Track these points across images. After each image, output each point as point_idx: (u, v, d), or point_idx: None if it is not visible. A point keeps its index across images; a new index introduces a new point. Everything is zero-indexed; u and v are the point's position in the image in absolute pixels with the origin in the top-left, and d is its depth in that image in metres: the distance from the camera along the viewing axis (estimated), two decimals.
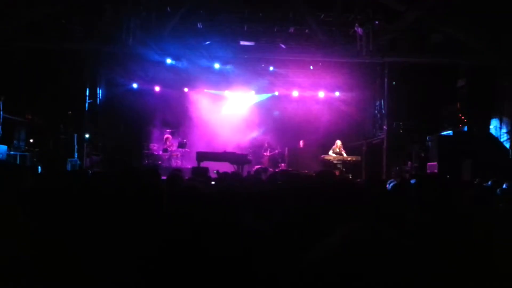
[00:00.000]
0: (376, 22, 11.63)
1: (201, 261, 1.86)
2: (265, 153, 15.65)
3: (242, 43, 12.94)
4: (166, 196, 2.57)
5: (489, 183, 5.71)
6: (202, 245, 1.94)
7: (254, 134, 16.14)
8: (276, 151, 15.67)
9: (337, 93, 16.57)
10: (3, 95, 10.62)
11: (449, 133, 11.94)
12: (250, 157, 13.22)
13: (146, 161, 14.66)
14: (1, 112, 10.80)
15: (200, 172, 9.99)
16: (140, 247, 2.02)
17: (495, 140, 11.24)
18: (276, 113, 16.73)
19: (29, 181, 2.22)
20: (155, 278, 1.88)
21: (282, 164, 15.15)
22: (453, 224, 2.16)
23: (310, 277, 0.85)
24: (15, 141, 11.59)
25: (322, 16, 12.13)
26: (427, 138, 12.13)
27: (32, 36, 11.46)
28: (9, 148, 10.63)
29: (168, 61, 13.42)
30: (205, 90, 16.46)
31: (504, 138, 11.39)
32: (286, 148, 15.69)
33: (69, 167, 11.58)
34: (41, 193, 2.71)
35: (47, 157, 11.73)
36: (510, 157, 10.97)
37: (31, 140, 12.36)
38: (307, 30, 12.72)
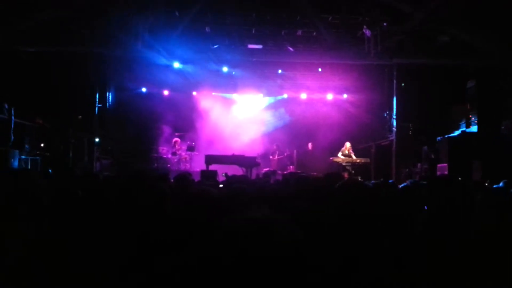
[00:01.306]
0: (384, 23, 11.59)
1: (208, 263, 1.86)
2: (273, 156, 15.64)
3: (250, 46, 12.96)
4: (170, 199, 2.59)
5: (501, 184, 5.64)
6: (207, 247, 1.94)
7: (263, 136, 16.13)
8: (285, 153, 15.65)
9: (345, 95, 16.54)
10: (12, 101, 10.74)
11: (459, 134, 11.85)
12: (258, 160, 13.22)
13: (155, 165, 14.72)
14: (12, 117, 10.92)
15: (209, 175, 10.04)
16: (145, 249, 2.04)
17: (506, 140, 11.11)
18: (284, 115, 16.73)
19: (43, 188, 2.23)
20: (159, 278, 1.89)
21: (291, 167, 15.13)
22: (465, 225, 2.15)
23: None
24: (26, 146, 11.70)
25: (329, 19, 12.11)
26: (437, 139, 12.04)
27: (40, 40, 11.59)
28: (20, 153, 10.74)
29: (176, 65, 13.49)
30: (214, 94, 16.52)
31: None
32: (295, 151, 15.67)
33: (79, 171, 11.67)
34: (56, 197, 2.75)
35: (58, 161, 11.84)
36: None
37: (42, 145, 12.47)
38: (314, 33, 12.71)
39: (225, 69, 14.28)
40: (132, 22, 11.18)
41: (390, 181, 8.00)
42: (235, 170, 11.72)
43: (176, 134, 15.59)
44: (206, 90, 16.19)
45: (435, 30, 11.84)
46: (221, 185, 6.57)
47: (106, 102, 14.68)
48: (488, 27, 10.87)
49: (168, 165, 14.63)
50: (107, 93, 14.80)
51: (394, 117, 13.84)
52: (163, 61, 12.76)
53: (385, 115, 15.12)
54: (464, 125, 12.48)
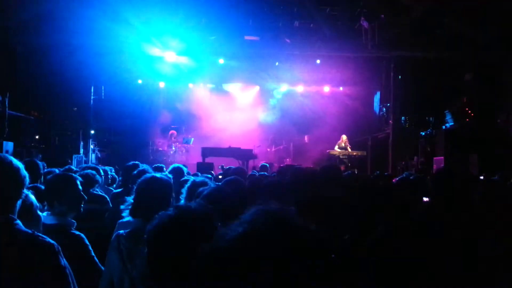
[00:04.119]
0: (382, 16, 11.51)
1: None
2: (270, 148, 15.61)
3: (247, 38, 12.85)
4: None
5: (496, 177, 5.64)
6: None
7: (259, 129, 16.08)
8: (281, 146, 15.62)
9: (341, 88, 16.50)
10: (8, 92, 10.65)
11: (455, 127, 11.84)
12: (255, 152, 13.19)
13: (152, 157, 14.66)
14: (7, 109, 10.82)
15: (205, 168, 10.01)
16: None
17: (503, 134, 11.11)
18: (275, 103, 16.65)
19: None
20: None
21: (288, 159, 15.12)
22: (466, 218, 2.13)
23: None
24: (21, 138, 11.63)
25: (327, 10, 12.02)
26: (434, 132, 12.03)
27: (33, 32, 11.46)
28: (16, 145, 10.66)
29: (172, 56, 13.36)
30: (210, 85, 16.43)
31: None
32: (291, 143, 15.65)
33: (74, 163, 11.61)
34: None
35: (53, 153, 11.77)
36: None
37: (37, 137, 12.39)
38: (312, 24, 12.63)
39: (221, 61, 14.15)
40: (128, 14, 11.07)
41: (386, 173, 7.98)
42: (232, 163, 11.69)
43: (172, 126, 15.53)
44: (202, 82, 16.10)
45: (434, 23, 11.77)
46: (220, 176, 6.55)
47: (101, 94, 14.57)
48: (487, 20, 10.81)
49: (164, 158, 14.58)
50: (102, 85, 14.69)
51: (391, 109, 13.81)
52: (157, 52, 12.64)
53: (381, 107, 15.10)
54: (460, 118, 12.47)
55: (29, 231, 1.71)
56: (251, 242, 0.87)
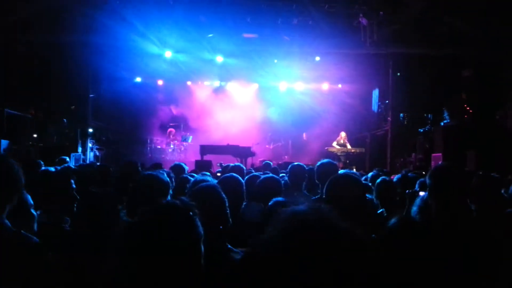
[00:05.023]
0: (381, 12, 11.49)
1: None
2: (268, 146, 15.60)
3: (245, 35, 12.83)
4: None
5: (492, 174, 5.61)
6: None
7: (258, 126, 16.06)
8: (280, 143, 15.61)
9: (339, 85, 16.47)
10: (4, 91, 10.63)
11: (453, 123, 11.83)
12: (253, 150, 13.18)
13: (150, 155, 14.65)
14: (4, 108, 10.80)
15: (203, 165, 10.00)
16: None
17: (501, 130, 11.10)
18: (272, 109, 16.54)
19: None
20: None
21: (286, 157, 15.11)
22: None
23: None
24: (18, 136, 11.59)
25: (326, 7, 11.99)
26: (432, 129, 12.02)
27: (32, 30, 11.43)
28: (13, 144, 10.64)
29: (170, 54, 13.33)
30: (208, 83, 16.40)
31: None
32: (290, 141, 15.63)
33: (72, 161, 11.59)
34: None
35: (51, 152, 11.73)
36: None
37: (35, 135, 12.36)
38: (311, 22, 12.60)
39: (219, 58, 14.09)
40: (125, 11, 11.04)
41: (385, 170, 7.98)
42: (230, 160, 11.68)
43: (171, 124, 15.51)
44: (200, 79, 16.07)
45: (433, 20, 11.75)
46: (218, 174, 6.55)
47: (100, 92, 14.54)
48: (486, 17, 10.78)
49: (163, 156, 14.57)
50: (101, 83, 14.65)
51: (390, 106, 13.81)
52: (156, 50, 12.61)
53: (380, 104, 15.09)
54: (459, 115, 12.45)
55: (14, 230, 1.71)
56: (287, 246, 0.88)
